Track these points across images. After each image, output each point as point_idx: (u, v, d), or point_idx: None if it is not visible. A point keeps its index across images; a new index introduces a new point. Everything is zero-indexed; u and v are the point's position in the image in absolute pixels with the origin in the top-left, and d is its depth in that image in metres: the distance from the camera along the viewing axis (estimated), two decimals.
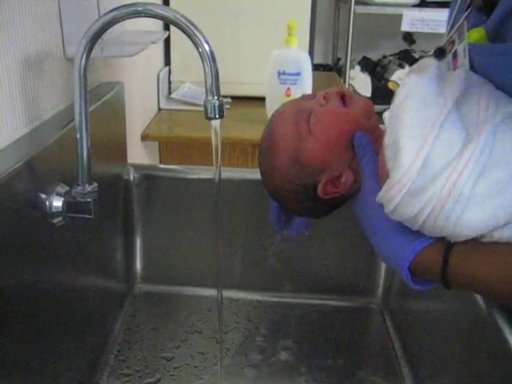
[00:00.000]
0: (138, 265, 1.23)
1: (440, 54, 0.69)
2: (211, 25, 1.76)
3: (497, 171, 0.54)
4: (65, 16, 0.88)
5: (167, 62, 1.84)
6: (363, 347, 1.12)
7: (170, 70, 1.83)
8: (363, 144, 0.67)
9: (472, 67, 0.62)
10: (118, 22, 0.66)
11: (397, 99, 0.61)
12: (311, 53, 1.80)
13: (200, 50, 0.64)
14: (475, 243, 0.57)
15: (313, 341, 1.11)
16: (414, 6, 2.43)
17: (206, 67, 0.65)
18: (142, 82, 1.53)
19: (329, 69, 2.80)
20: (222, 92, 1.89)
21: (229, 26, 1.79)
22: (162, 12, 0.65)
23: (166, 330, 1.12)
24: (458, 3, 0.70)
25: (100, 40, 0.98)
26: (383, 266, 1.22)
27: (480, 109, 0.57)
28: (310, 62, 1.54)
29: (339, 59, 2.81)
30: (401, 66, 2.48)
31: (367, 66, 2.66)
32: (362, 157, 0.67)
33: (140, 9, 0.65)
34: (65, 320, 0.85)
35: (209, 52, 0.65)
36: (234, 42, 1.80)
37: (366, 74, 2.58)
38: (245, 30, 1.79)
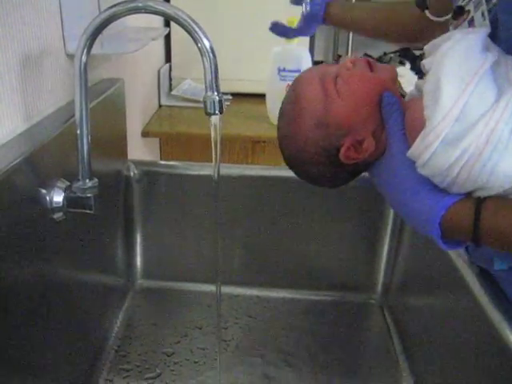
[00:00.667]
0: (139, 261, 1.23)
1: (460, 12, 0.71)
2: (212, 21, 1.76)
3: None
4: (65, 11, 0.88)
5: (168, 58, 1.84)
6: (363, 342, 1.12)
7: (170, 67, 1.84)
8: (391, 103, 0.67)
9: (494, 28, 0.64)
10: (118, 17, 0.66)
11: (441, 49, 0.62)
12: (311, 50, 1.80)
13: (199, 45, 0.64)
14: (505, 199, 0.58)
15: (313, 336, 1.11)
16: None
17: (206, 63, 0.65)
18: (143, 79, 1.53)
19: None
20: (222, 89, 1.88)
21: (229, 22, 1.79)
22: (162, 8, 0.66)
23: (167, 325, 1.12)
24: None
25: (100, 36, 0.99)
26: (383, 261, 1.22)
27: (509, 69, 0.60)
28: (310, 58, 1.55)
29: (340, 56, 2.80)
30: (401, 64, 2.47)
31: None
32: (389, 116, 0.68)
33: (140, 5, 0.66)
34: (65, 315, 0.86)
35: (208, 48, 0.65)
36: (235, 39, 1.80)
37: None
38: (245, 27, 1.79)
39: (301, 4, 1.28)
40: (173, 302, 1.20)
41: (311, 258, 1.23)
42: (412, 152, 0.62)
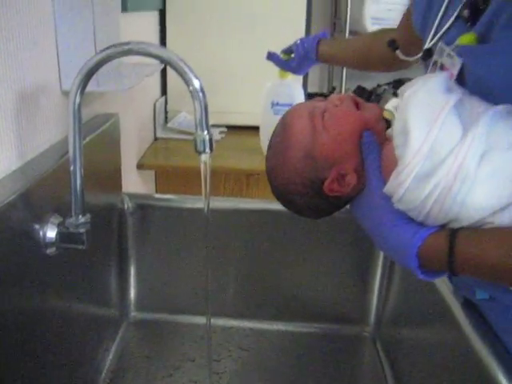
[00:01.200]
0: (132, 293, 1.24)
1: (428, 54, 0.77)
2: (208, 56, 1.81)
3: (495, 154, 0.59)
4: (62, 50, 0.91)
5: (164, 91, 1.87)
6: (355, 375, 1.13)
7: (166, 100, 1.86)
8: (370, 142, 0.72)
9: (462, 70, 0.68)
10: (112, 59, 0.69)
11: (406, 93, 0.66)
12: (305, 82, 1.84)
13: (191, 88, 0.66)
14: (478, 229, 0.61)
15: (305, 368, 1.12)
16: None
17: (196, 104, 0.67)
18: (139, 112, 1.55)
19: (324, 97, 2.82)
20: (218, 121, 1.93)
21: (225, 57, 1.83)
22: (154, 51, 0.68)
23: (159, 357, 1.12)
24: (442, 12, 0.74)
25: (96, 73, 1.01)
26: (375, 294, 1.23)
27: (473, 107, 0.64)
28: (302, 92, 1.57)
29: (334, 88, 2.84)
30: (395, 95, 2.51)
31: (362, 94, 2.69)
32: (368, 154, 0.72)
33: (133, 48, 0.68)
34: (58, 348, 0.87)
35: (199, 89, 0.67)
36: (230, 74, 1.84)
37: None
38: (240, 62, 1.83)
39: (291, 52, 1.41)
40: (166, 334, 1.20)
41: (304, 290, 1.24)
42: (387, 188, 0.66)
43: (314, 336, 1.22)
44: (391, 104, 0.71)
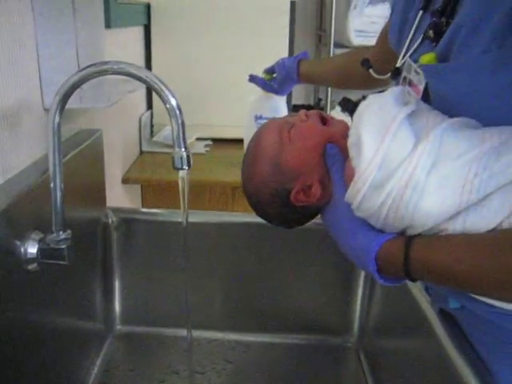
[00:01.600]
0: (117, 306, 1.25)
1: (396, 73, 0.80)
2: (194, 71, 1.83)
3: (445, 164, 0.62)
4: (44, 68, 0.92)
5: (149, 105, 1.88)
6: None
7: (152, 114, 1.88)
8: (333, 154, 0.75)
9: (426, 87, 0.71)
10: (90, 79, 0.70)
11: (359, 108, 0.70)
12: (289, 95, 1.85)
13: (168, 106, 0.68)
14: (433, 235, 0.64)
15: (290, 380, 1.13)
16: None
17: (173, 121, 0.69)
18: (124, 126, 1.57)
19: (310, 109, 2.84)
20: (203, 134, 1.94)
21: (210, 71, 1.85)
22: (133, 71, 0.69)
23: (144, 370, 1.13)
24: (412, 32, 0.78)
25: (79, 90, 1.02)
26: (358, 304, 1.24)
27: (429, 119, 0.67)
28: (286, 106, 1.59)
29: (320, 99, 2.86)
30: None
31: (347, 105, 2.71)
32: (331, 165, 0.75)
33: (112, 67, 0.70)
34: (43, 362, 0.87)
35: (175, 106, 0.68)
36: (215, 87, 1.86)
37: (347, 113, 2.63)
38: (225, 76, 1.85)
39: (273, 71, 1.45)
40: (151, 347, 1.21)
41: (288, 302, 1.25)
42: (347, 197, 0.69)
43: (299, 347, 1.23)
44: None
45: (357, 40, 2.49)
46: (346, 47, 2.54)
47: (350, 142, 0.69)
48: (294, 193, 0.78)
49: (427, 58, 0.68)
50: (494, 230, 0.60)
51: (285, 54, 1.86)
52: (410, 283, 0.95)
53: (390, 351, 1.09)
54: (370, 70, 1.04)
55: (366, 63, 1.06)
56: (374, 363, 1.15)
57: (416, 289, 0.94)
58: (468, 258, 0.60)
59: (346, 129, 0.76)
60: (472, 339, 0.78)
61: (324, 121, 0.79)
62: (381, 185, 0.64)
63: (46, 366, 0.89)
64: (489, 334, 0.74)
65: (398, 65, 0.80)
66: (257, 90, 1.55)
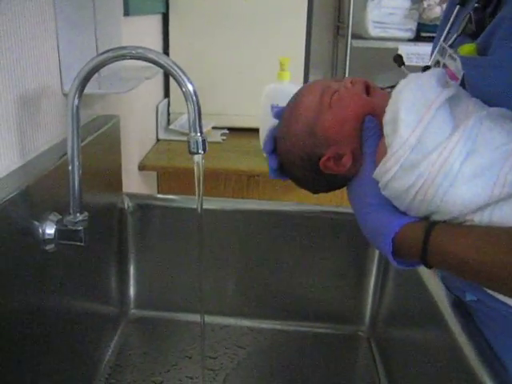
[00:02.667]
0: (132, 291, 1.26)
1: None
2: (211, 59, 1.84)
3: (481, 154, 0.61)
4: (63, 52, 0.93)
5: (167, 93, 1.89)
6: (350, 373, 1.15)
7: (169, 102, 1.89)
8: (370, 127, 0.73)
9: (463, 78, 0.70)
10: (109, 63, 0.71)
11: (399, 85, 0.68)
12: None
13: (184, 89, 0.69)
14: (456, 224, 0.63)
15: (300, 367, 1.14)
16: (410, 40, 2.49)
17: (190, 106, 0.70)
18: (141, 114, 1.58)
19: None
20: (220, 123, 1.95)
21: (227, 60, 1.85)
22: (150, 55, 0.70)
23: (157, 354, 1.15)
24: (447, 29, 0.76)
25: (97, 75, 1.04)
26: (370, 293, 1.25)
27: (469, 105, 0.65)
28: None
29: None
30: None
31: None
32: (366, 138, 0.73)
33: (131, 52, 0.70)
34: (57, 344, 0.89)
35: (192, 92, 0.69)
36: (232, 76, 1.87)
37: None
38: (243, 65, 1.86)
39: None
40: (164, 331, 1.22)
41: (301, 290, 1.26)
42: (376, 174, 0.68)
43: (310, 335, 1.24)
44: None
45: (375, 31, 2.48)
46: (364, 38, 2.54)
47: (386, 118, 0.68)
48: (324, 159, 0.76)
49: (467, 48, 0.67)
50: None
51: (302, 44, 1.86)
52: (423, 272, 0.96)
53: (401, 341, 1.09)
54: (402, 67, 1.02)
55: (397, 59, 1.03)
56: (386, 352, 1.16)
57: (429, 278, 0.94)
58: (488, 252, 0.59)
59: (386, 103, 0.73)
60: (486, 333, 0.77)
61: (369, 90, 0.76)
62: (413, 166, 0.63)
63: (60, 347, 0.90)
64: (504, 330, 0.74)
65: (429, 63, 0.79)
66: (273, 78, 1.56)
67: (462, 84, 0.71)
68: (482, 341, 0.77)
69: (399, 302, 1.12)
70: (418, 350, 0.98)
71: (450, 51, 0.72)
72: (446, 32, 0.78)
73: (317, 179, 0.80)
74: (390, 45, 2.46)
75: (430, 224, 0.64)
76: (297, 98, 0.81)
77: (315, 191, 0.85)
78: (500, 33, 0.63)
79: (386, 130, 0.67)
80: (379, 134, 0.72)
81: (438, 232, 0.63)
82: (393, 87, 2.09)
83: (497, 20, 0.65)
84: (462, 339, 0.78)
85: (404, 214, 0.67)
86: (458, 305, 0.85)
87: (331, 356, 1.18)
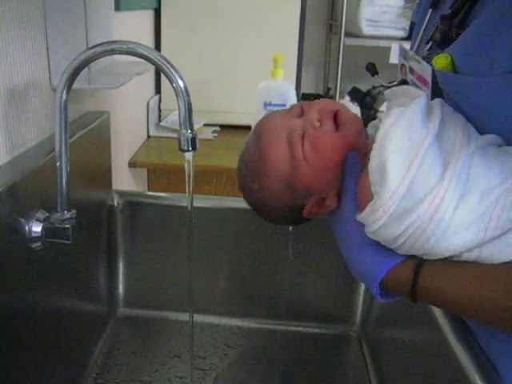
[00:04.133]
0: (121, 289, 1.25)
1: (404, 83, 0.76)
2: (203, 56, 1.82)
3: (473, 199, 0.58)
4: (52, 47, 0.92)
5: (158, 90, 1.88)
6: (339, 374, 1.14)
7: (160, 98, 1.88)
8: (352, 164, 0.69)
9: (438, 88, 0.67)
10: (98, 58, 0.70)
11: (382, 128, 0.63)
12: (298, 83, 1.85)
13: (174, 85, 0.68)
14: (444, 261, 0.61)
15: (290, 367, 1.13)
16: (403, 39, 2.49)
17: (180, 102, 0.68)
18: (131, 110, 1.56)
19: (319, 98, 2.82)
20: (211, 120, 1.94)
21: (219, 57, 1.84)
22: (141, 51, 0.69)
23: (146, 353, 1.13)
24: (419, 37, 0.75)
25: (87, 71, 1.02)
26: (361, 294, 1.24)
27: (457, 135, 0.62)
28: (294, 93, 1.58)
29: (329, 88, 2.85)
30: None
31: (357, 95, 2.70)
32: (348, 174, 0.69)
33: (121, 47, 0.69)
34: (45, 342, 0.88)
35: (183, 88, 0.68)
36: (224, 73, 1.85)
37: (356, 104, 2.62)
38: (234, 61, 1.85)
39: None
40: (153, 330, 1.21)
41: (292, 290, 1.25)
42: (361, 217, 0.64)
43: (301, 335, 1.23)
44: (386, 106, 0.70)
45: (368, 29, 2.48)
46: (357, 37, 2.54)
47: (373, 165, 0.63)
48: (308, 207, 0.73)
49: (441, 60, 0.64)
50: (509, 263, 0.58)
51: (295, 42, 1.85)
52: None
53: (392, 341, 1.08)
54: (376, 76, 1.00)
55: (370, 68, 1.01)
56: (376, 352, 1.15)
57: None
58: (478, 292, 0.58)
59: (360, 126, 0.71)
60: (476, 333, 0.77)
61: (337, 120, 0.71)
62: (403, 215, 0.60)
63: (48, 346, 0.89)
64: (491, 330, 0.73)
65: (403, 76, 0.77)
66: (266, 76, 1.54)
67: (434, 87, 0.68)
68: (472, 341, 0.76)
69: (390, 302, 1.11)
70: (409, 350, 0.97)
71: (411, 53, 0.70)
72: (420, 36, 0.76)
73: (296, 218, 0.77)
74: (383, 43, 2.46)
75: (418, 264, 0.62)
76: (260, 147, 0.73)
77: (295, 224, 0.83)
78: (473, 52, 0.62)
79: (373, 177, 0.63)
80: (360, 168, 0.68)
81: (426, 272, 0.62)
82: (384, 86, 2.05)
83: (468, 37, 0.63)
84: (453, 339, 0.78)
85: (390, 252, 0.65)
86: None
87: (322, 356, 1.17)
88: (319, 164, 0.69)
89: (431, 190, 0.59)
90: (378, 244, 0.65)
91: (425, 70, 0.68)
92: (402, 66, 0.74)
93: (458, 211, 0.58)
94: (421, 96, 0.66)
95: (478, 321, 0.66)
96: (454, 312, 0.68)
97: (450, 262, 0.61)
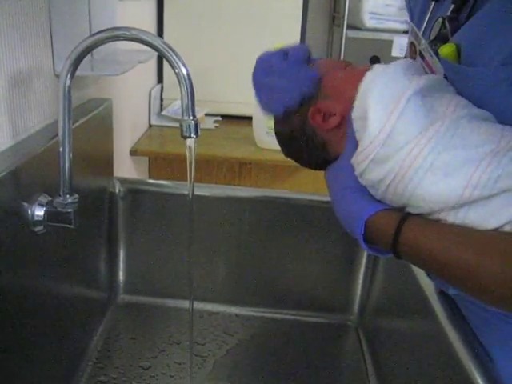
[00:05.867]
0: (121, 276, 1.26)
1: None
2: (205, 46, 1.82)
3: (455, 153, 0.60)
4: (55, 33, 0.92)
5: (160, 79, 1.88)
6: (336, 363, 1.15)
7: (162, 88, 1.88)
8: None
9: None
10: (102, 44, 0.70)
11: (365, 80, 0.67)
12: None
13: (177, 71, 0.68)
14: (429, 220, 0.63)
15: (288, 355, 1.14)
16: (405, 32, 2.48)
17: (183, 89, 0.69)
18: (134, 99, 1.57)
19: None
20: (213, 110, 1.94)
21: (221, 47, 1.84)
22: (145, 37, 0.69)
23: (145, 339, 1.15)
24: (424, 26, 0.76)
25: (90, 58, 1.03)
26: (360, 283, 1.25)
27: (450, 104, 0.64)
28: None
29: None
30: None
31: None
32: (350, 125, 0.71)
33: (124, 33, 0.69)
34: (45, 327, 0.89)
35: (185, 75, 0.68)
36: (225, 63, 1.86)
37: None
38: (236, 52, 1.85)
39: None
40: (153, 317, 1.22)
41: (291, 278, 1.26)
42: (352, 162, 0.68)
43: (299, 323, 1.24)
44: None
45: (370, 22, 2.47)
46: (360, 29, 2.53)
47: (355, 114, 0.67)
48: (314, 107, 0.74)
49: (447, 49, 0.66)
50: (493, 230, 0.58)
51: (297, 33, 1.85)
52: None
53: (389, 330, 1.10)
54: None
55: (374, 61, 1.02)
56: (373, 342, 1.16)
57: (419, 269, 0.94)
58: (457, 250, 0.59)
59: None
60: (470, 322, 0.78)
61: None
62: (383, 160, 0.63)
63: (47, 330, 0.90)
64: (486, 321, 0.74)
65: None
66: None
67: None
68: (467, 330, 0.78)
69: (388, 292, 1.13)
70: (405, 339, 0.98)
71: (423, 44, 0.71)
72: (423, 28, 0.77)
73: (299, 138, 0.78)
74: (386, 36, 2.45)
75: (403, 215, 0.64)
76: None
77: (297, 159, 0.83)
78: (476, 42, 0.63)
79: (356, 125, 0.67)
80: None
81: (410, 224, 0.63)
82: None
83: (471, 28, 0.64)
84: (449, 328, 0.79)
85: (378, 201, 0.67)
86: (445, 295, 0.85)
87: (319, 345, 1.18)
88: (353, 76, 0.71)
89: (412, 139, 0.61)
90: (367, 192, 0.68)
91: (436, 66, 0.68)
92: (412, 45, 0.74)
93: (437, 162, 0.60)
94: (400, 60, 0.69)
95: (451, 283, 0.66)
96: (430, 271, 0.69)
97: (435, 222, 0.62)
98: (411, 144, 0.61)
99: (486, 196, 0.58)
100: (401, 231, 0.63)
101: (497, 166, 0.58)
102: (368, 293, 1.23)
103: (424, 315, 0.88)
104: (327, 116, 0.74)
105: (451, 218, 0.61)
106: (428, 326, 0.86)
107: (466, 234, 0.60)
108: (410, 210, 0.64)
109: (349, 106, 0.71)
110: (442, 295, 0.86)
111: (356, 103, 0.68)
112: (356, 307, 1.26)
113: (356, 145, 0.68)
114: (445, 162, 0.60)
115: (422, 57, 0.72)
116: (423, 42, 0.71)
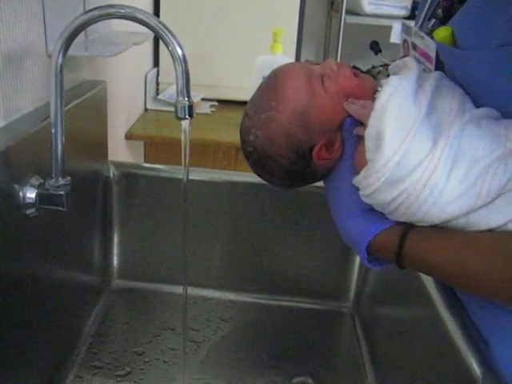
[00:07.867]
0: (115, 260, 1.25)
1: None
2: (201, 30, 1.80)
3: (464, 166, 0.59)
4: (48, 12, 0.90)
5: (156, 63, 1.86)
6: (332, 349, 1.14)
7: (158, 72, 1.86)
8: (351, 129, 0.71)
9: (441, 63, 0.68)
10: (95, 22, 0.69)
11: (382, 97, 0.64)
12: (298, 59, 1.84)
13: (171, 50, 0.66)
14: (431, 227, 0.63)
15: (283, 341, 1.13)
16: (405, 18, 2.46)
17: (178, 70, 0.67)
18: (129, 82, 1.55)
19: None
20: (209, 95, 1.92)
21: (217, 31, 1.82)
22: (139, 16, 0.68)
23: (139, 325, 1.14)
24: (423, 14, 0.74)
25: (84, 39, 1.01)
26: (355, 270, 1.24)
27: (451, 109, 0.63)
28: None
29: None
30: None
31: None
32: (346, 139, 0.71)
33: (118, 11, 0.68)
34: (38, 312, 0.88)
35: (181, 55, 0.67)
36: (222, 47, 1.84)
37: None
38: (233, 36, 1.83)
39: None
40: (147, 302, 1.21)
41: (287, 265, 1.25)
42: (356, 181, 0.66)
43: (294, 310, 1.23)
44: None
45: (369, 8, 2.45)
46: (359, 15, 2.51)
47: (369, 133, 0.64)
48: (317, 148, 0.72)
49: (442, 32, 0.64)
50: (494, 229, 0.59)
51: (295, 18, 1.83)
52: None
53: (385, 318, 1.09)
54: (379, 55, 1.01)
55: (374, 46, 1.02)
56: (369, 329, 1.15)
57: None
58: (462, 261, 0.59)
59: (374, 86, 0.71)
60: (468, 309, 0.77)
61: (354, 73, 0.73)
62: (397, 181, 0.61)
63: (40, 315, 0.89)
64: (483, 307, 0.73)
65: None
66: (264, 51, 1.53)
67: (437, 62, 0.69)
68: (464, 316, 0.77)
69: (384, 279, 1.12)
70: (401, 325, 0.97)
71: (414, 29, 0.70)
72: (424, 13, 0.76)
73: (298, 171, 0.76)
74: (385, 22, 2.44)
75: (405, 231, 0.64)
76: (277, 81, 0.74)
77: (287, 186, 0.83)
78: (473, 25, 0.62)
79: (368, 143, 0.64)
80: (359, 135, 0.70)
81: (412, 239, 0.63)
82: (384, 66, 2.04)
83: (466, 12, 0.64)
84: (445, 314, 0.78)
85: (379, 216, 0.67)
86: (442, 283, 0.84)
87: (314, 331, 1.17)
88: (339, 99, 0.70)
89: (425, 158, 0.60)
90: (369, 210, 0.67)
91: (428, 45, 0.68)
92: (405, 42, 0.73)
93: (450, 180, 0.59)
94: (414, 67, 0.67)
95: (461, 287, 0.68)
96: (439, 278, 0.70)
97: (437, 228, 0.62)
98: (424, 163, 0.60)
99: (492, 199, 0.59)
100: (403, 250, 0.63)
101: (504, 170, 0.58)
102: (364, 279, 1.22)
103: (420, 301, 0.87)
104: (329, 146, 0.72)
105: (454, 222, 0.61)
106: (424, 313, 0.86)
107: (469, 240, 0.60)
108: (417, 223, 0.64)
109: (339, 121, 0.71)
110: (439, 281, 0.85)
111: (371, 120, 0.64)
112: (352, 294, 1.26)
113: (352, 161, 0.69)
114: (457, 178, 0.59)
115: (415, 48, 0.71)
116: (414, 28, 0.70)
